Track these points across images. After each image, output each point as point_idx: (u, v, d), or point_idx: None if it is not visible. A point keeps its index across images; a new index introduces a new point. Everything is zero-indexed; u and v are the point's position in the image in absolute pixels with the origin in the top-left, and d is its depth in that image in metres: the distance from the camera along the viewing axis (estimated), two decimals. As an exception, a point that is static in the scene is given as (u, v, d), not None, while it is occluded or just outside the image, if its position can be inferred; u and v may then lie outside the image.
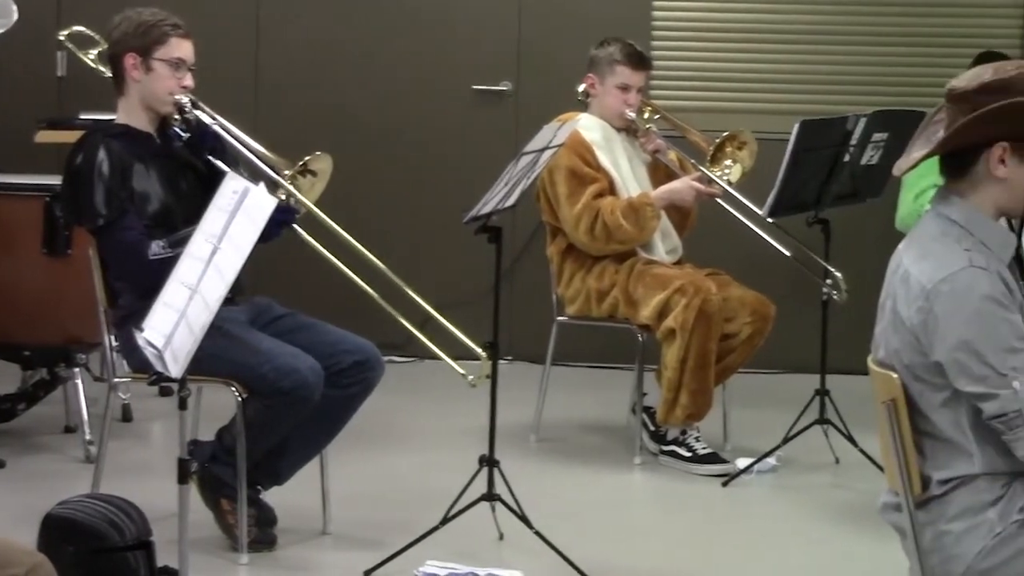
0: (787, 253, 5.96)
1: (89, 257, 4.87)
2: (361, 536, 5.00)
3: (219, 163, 4.81)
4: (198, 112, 4.82)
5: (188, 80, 4.84)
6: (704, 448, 5.90)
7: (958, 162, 3.34)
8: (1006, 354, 3.19)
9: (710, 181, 5.93)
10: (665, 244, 6.09)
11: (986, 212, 3.33)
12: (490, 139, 7.41)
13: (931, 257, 3.30)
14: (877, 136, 5.79)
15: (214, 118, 4.84)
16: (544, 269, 6.27)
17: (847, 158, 5.79)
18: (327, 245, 4.81)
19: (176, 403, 3.82)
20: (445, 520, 4.76)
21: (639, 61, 6.05)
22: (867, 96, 7.35)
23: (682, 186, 5.97)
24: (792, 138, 5.61)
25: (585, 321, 6.10)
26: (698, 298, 5.74)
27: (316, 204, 4.77)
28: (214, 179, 4.46)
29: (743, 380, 6.36)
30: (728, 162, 5.96)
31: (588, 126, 5.99)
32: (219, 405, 4.94)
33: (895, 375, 3.34)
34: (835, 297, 5.86)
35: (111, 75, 4.96)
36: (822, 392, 5.87)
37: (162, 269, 3.88)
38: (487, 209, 4.77)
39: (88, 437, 5.75)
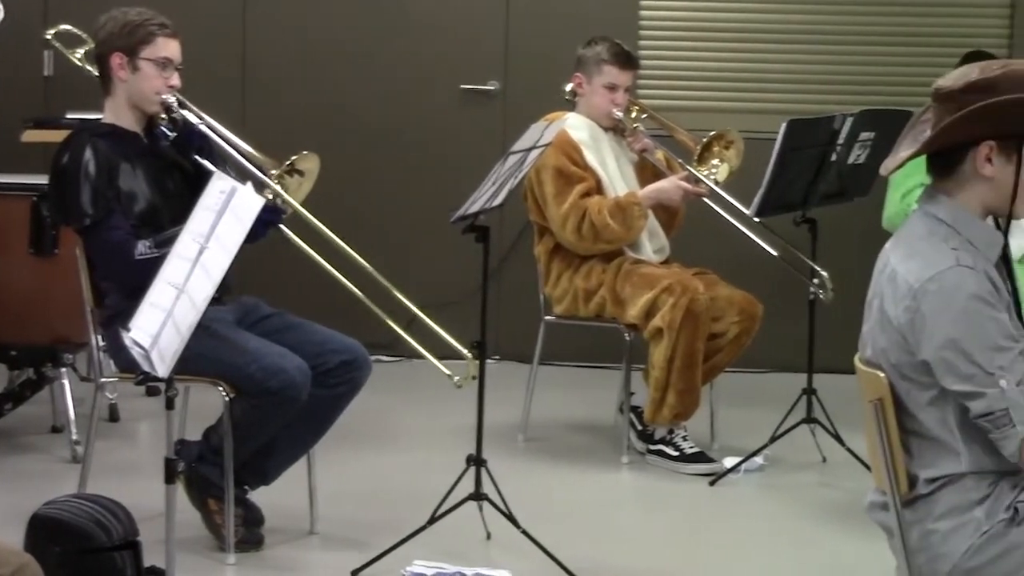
0: (774, 252, 5.97)
1: (76, 257, 4.87)
2: (348, 536, 4.99)
3: (206, 163, 4.80)
4: (185, 112, 4.81)
5: (175, 79, 4.83)
6: (691, 447, 5.91)
7: (945, 161, 3.34)
8: (993, 353, 3.19)
9: (697, 180, 5.93)
10: (652, 243, 6.08)
11: (973, 211, 3.33)
12: (478, 138, 7.41)
13: (918, 256, 3.30)
14: (864, 135, 5.79)
15: (201, 117, 4.83)
16: (531, 269, 6.26)
17: (834, 157, 5.79)
18: (314, 245, 4.81)
19: (163, 403, 3.82)
20: (432, 520, 4.76)
21: (626, 60, 6.05)
22: (854, 95, 7.36)
23: (669, 185, 5.97)
24: (779, 137, 5.62)
25: (572, 320, 6.10)
26: (685, 297, 5.74)
27: (303, 203, 4.76)
28: (201, 179, 4.46)
29: (730, 379, 6.36)
30: (715, 161, 5.96)
31: (575, 125, 5.98)
32: (206, 405, 4.93)
33: (882, 374, 3.34)
34: (822, 296, 5.87)
35: (98, 74, 4.95)
36: (809, 391, 5.88)
37: (148, 269, 3.87)
38: (474, 208, 4.76)
39: (75, 437, 5.74)
